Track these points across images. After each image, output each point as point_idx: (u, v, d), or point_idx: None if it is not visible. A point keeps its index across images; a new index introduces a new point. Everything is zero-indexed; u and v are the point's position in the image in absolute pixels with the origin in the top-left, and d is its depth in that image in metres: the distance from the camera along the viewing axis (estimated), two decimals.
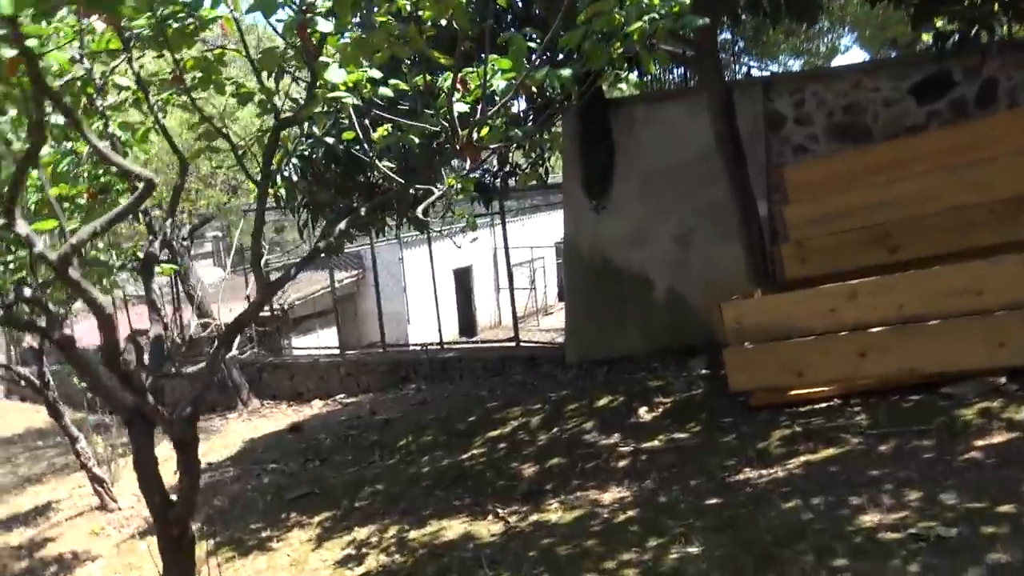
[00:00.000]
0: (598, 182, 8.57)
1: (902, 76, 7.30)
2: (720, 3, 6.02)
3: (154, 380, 4.00)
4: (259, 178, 3.58)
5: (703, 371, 6.88)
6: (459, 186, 4.22)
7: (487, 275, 21.68)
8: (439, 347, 10.96)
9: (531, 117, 9.15)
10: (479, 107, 3.61)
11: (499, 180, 9.09)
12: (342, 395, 11.33)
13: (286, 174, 5.85)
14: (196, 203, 12.51)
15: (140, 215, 4.46)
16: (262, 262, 4.35)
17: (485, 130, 4.00)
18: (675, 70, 10.91)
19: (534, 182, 9.16)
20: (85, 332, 17.31)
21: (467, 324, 20.71)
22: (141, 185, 3.27)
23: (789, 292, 5.64)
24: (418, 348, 10.99)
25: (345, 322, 19.85)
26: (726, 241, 8.06)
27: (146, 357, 4.05)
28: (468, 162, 4.25)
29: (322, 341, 19.09)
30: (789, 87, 7.82)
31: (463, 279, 21.04)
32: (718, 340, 6.98)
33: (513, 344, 10.42)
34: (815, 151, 7.71)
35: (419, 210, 3.97)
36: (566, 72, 3.64)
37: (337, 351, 12.04)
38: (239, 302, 17.76)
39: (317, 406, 11.27)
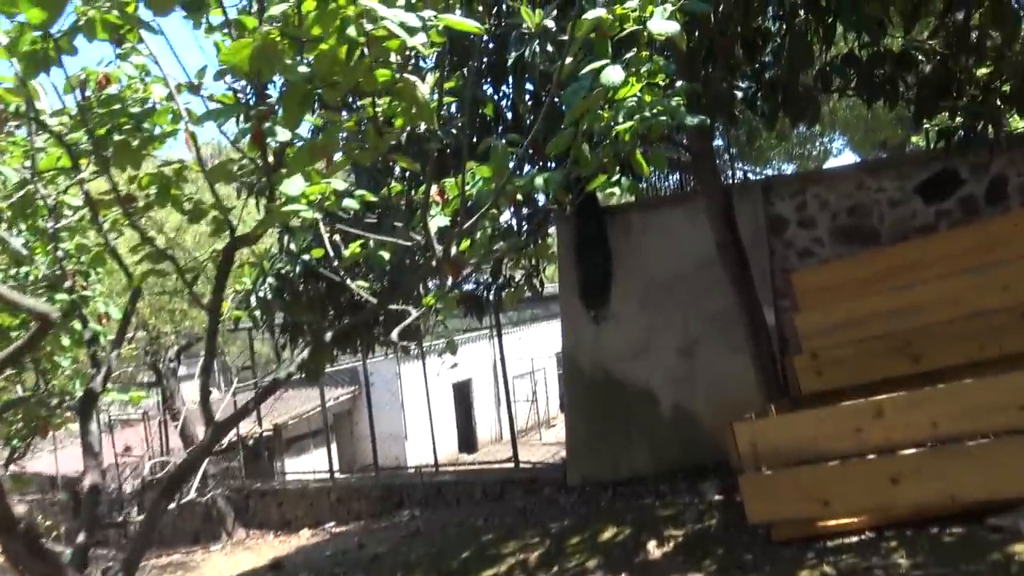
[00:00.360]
0: (596, 292, 8.20)
1: (906, 175, 7.01)
2: (715, 104, 5.77)
3: (87, 538, 3.49)
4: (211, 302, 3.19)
5: (717, 497, 6.29)
6: (439, 306, 3.80)
7: (487, 389, 21.11)
8: (434, 470, 10.34)
9: (522, 227, 8.87)
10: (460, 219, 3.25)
11: (492, 293, 8.73)
12: (332, 523, 10.63)
13: (261, 294, 5.47)
14: (181, 324, 12.15)
15: (85, 345, 4.03)
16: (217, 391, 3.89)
17: (466, 243, 3.62)
18: (671, 176, 10.71)
19: (529, 294, 8.79)
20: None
21: (467, 440, 20.02)
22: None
23: (808, 410, 5.14)
24: (412, 471, 10.37)
25: (341, 441, 19.18)
26: (733, 352, 7.60)
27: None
28: (449, 279, 3.87)
29: (316, 461, 18.34)
30: (789, 190, 7.53)
31: (463, 393, 20.49)
32: (731, 461, 6.45)
33: (512, 465, 9.80)
34: (820, 255, 7.35)
35: (394, 333, 3.55)
36: (550, 177, 3.30)
37: (327, 475, 11.39)
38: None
39: (305, 536, 10.55)
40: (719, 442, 7.84)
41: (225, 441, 14.20)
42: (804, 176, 8.43)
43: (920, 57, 6.52)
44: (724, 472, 7.24)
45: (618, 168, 3.30)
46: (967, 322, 5.30)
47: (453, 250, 3.32)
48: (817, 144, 20.38)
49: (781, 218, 7.55)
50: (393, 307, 3.74)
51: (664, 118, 3.06)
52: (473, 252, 3.62)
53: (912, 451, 4.49)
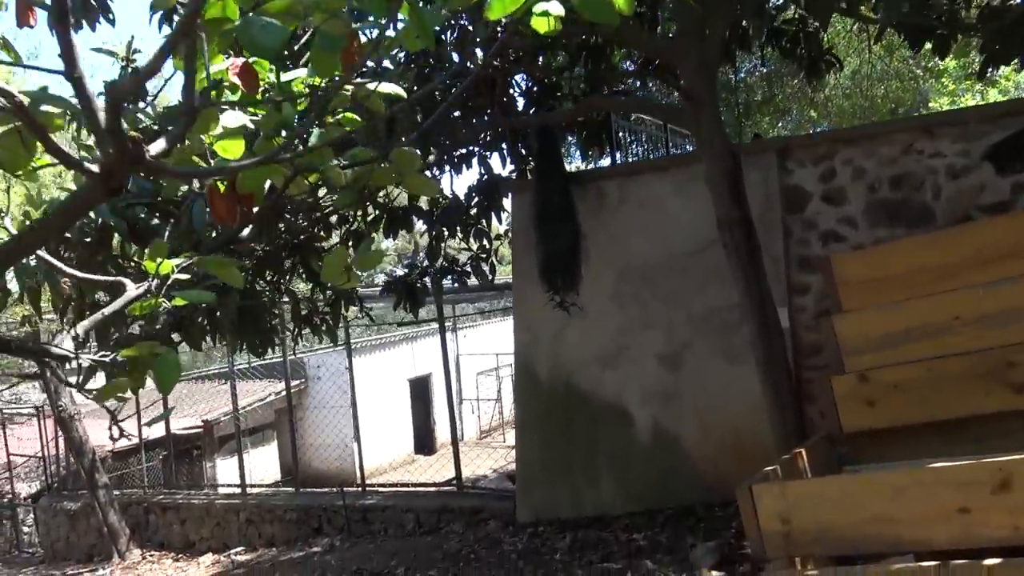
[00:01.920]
0: (559, 277, 6.19)
1: (973, 136, 5.11)
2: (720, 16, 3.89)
3: None
4: None
5: (715, 574, 4.38)
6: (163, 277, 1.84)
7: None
8: (360, 489, 8.36)
9: (471, 200, 6.93)
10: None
11: (432, 279, 6.78)
12: (240, 549, 8.62)
13: None
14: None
15: None
16: None
17: (233, 146, 1.66)
18: (656, 150, 8.75)
19: (474, 281, 6.84)
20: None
21: (425, 440, 18.07)
22: None
23: (875, 473, 3.23)
24: (335, 491, 8.40)
25: (284, 441, 17.15)
26: (732, 362, 5.72)
27: None
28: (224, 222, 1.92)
29: (255, 463, 16.30)
30: (813, 154, 5.61)
31: (421, 389, 18.54)
32: (732, 502, 4.60)
33: (454, 488, 7.87)
34: (851, 240, 5.46)
35: (79, 329, 1.65)
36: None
37: (238, 490, 9.38)
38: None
39: (205, 564, 8.54)
40: (710, 476, 5.97)
41: (124, 441, 12.15)
42: (833, 135, 6.47)
43: None
44: (717, 521, 5.37)
45: None
46: None
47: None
48: (810, 132, 18.57)
49: (800, 191, 5.64)
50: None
51: None
52: (250, 183, 1.67)
53: None
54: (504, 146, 6.94)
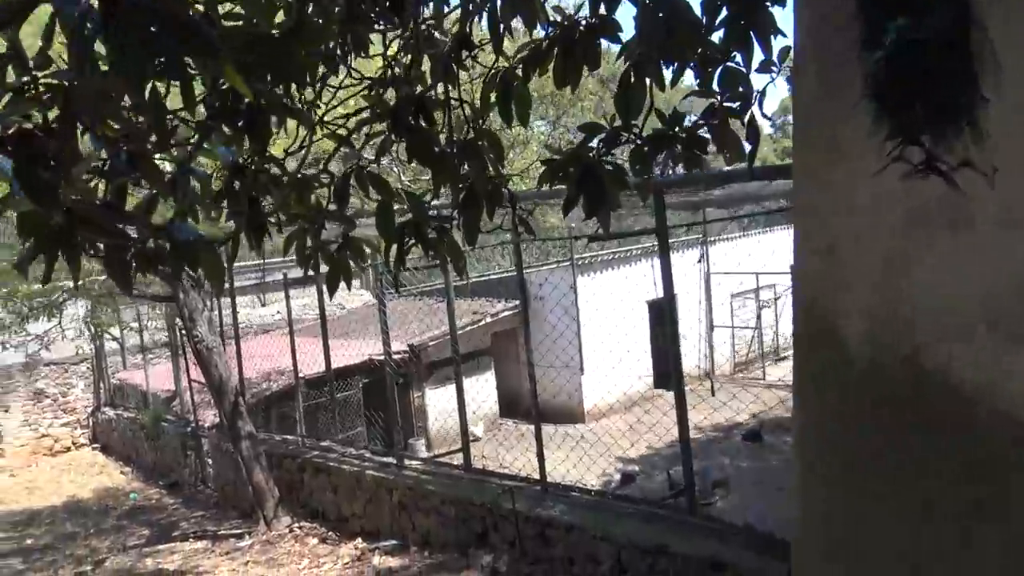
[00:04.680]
0: (921, 103, 2.25)
1: None
2: None
3: None
4: None
5: None
6: None
7: (694, 309, 15.81)
8: (540, 487, 5.51)
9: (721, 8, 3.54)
10: None
11: (633, 155, 3.53)
12: (389, 544, 6.26)
13: None
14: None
15: None
16: None
17: None
18: None
19: (695, 170, 3.46)
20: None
21: (666, 372, 14.99)
22: None
23: None
24: (506, 486, 5.62)
25: (505, 364, 14.96)
26: None
27: None
28: None
29: (470, 394, 14.28)
30: None
31: (663, 314, 15.33)
32: None
33: (683, 512, 4.75)
34: None
35: None
36: None
37: (392, 461, 6.94)
38: (351, 340, 13.52)
39: (343, 560, 6.30)
40: None
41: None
42: None
43: None
44: None
45: None
46: None
47: None
48: None
49: None
50: None
51: None
52: None
53: None
54: None
